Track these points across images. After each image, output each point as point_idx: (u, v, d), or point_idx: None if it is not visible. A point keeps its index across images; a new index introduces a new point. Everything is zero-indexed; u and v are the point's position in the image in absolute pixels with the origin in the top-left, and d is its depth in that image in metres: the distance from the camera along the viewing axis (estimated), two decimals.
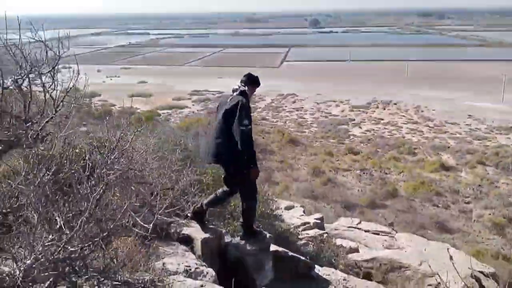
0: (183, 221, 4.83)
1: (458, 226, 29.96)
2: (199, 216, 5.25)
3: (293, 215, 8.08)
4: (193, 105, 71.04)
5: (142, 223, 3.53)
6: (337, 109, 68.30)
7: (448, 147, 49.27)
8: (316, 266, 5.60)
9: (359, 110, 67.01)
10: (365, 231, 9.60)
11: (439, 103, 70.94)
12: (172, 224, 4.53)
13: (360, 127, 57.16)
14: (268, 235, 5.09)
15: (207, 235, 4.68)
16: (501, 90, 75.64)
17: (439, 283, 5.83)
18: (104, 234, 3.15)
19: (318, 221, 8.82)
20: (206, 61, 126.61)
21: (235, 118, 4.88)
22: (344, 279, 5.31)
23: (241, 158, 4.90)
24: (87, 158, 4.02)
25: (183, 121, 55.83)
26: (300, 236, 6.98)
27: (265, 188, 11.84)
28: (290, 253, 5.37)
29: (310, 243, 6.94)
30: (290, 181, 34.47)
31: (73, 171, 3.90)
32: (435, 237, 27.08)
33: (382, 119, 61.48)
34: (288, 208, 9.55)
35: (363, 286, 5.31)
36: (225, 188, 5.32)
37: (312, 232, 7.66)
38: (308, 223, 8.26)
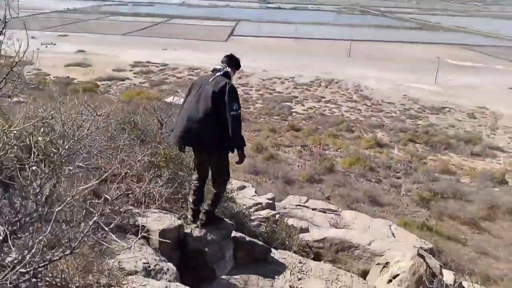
0: (138, 211, 4.38)
1: (388, 199, 32.33)
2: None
3: (244, 196, 8.21)
4: (135, 77, 68.72)
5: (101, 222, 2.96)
6: (281, 86, 69.37)
7: (383, 125, 52.20)
8: (272, 249, 5.66)
9: (303, 88, 68.56)
10: (313, 209, 10.19)
11: (377, 83, 74.31)
12: (125, 214, 4.00)
13: (303, 105, 58.68)
14: (229, 222, 5.00)
15: (164, 226, 4.37)
16: (434, 72, 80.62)
17: (387, 262, 6.08)
18: (66, 253, 2.70)
19: (270, 201, 8.99)
20: (150, 31, 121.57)
21: (224, 101, 4.60)
22: (300, 262, 5.44)
23: (223, 143, 4.72)
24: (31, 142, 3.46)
25: (124, 94, 54.15)
26: (252, 217, 7.13)
27: None
28: (248, 238, 5.32)
29: (263, 224, 7.11)
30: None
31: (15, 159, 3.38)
32: (367, 209, 29.19)
33: (324, 97, 63.46)
34: (240, 188, 9.75)
35: (318, 268, 5.38)
36: (195, 181, 5.06)
37: (264, 213, 7.88)
38: (260, 203, 8.43)
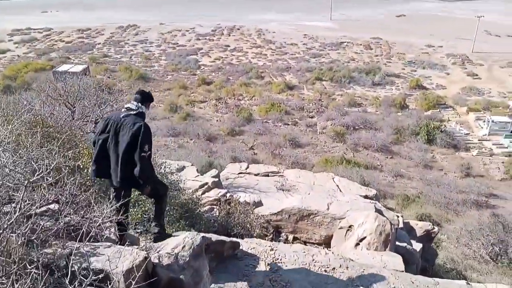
0: (87, 248, 3.51)
1: (307, 140, 33.56)
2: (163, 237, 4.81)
3: (187, 177, 7.48)
4: (17, 47, 60.81)
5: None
6: (183, 39, 66.47)
7: (290, 68, 53.09)
8: (239, 241, 5.09)
9: (205, 38, 66.45)
10: (255, 174, 9.83)
11: (277, 25, 74.59)
12: (70, 257, 3.14)
13: (209, 56, 57.12)
14: (199, 236, 4.29)
15: (128, 264, 3.52)
16: (328, 9, 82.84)
17: (350, 225, 5.98)
18: None
19: (215, 178, 8.38)
20: None
21: (137, 142, 4.52)
22: (272, 249, 5.05)
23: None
24: None
25: (8, 68, 47.86)
26: (202, 201, 6.61)
27: None
28: (215, 237, 4.75)
29: (215, 207, 6.68)
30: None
31: None
32: (290, 153, 30.07)
33: (229, 46, 62.27)
34: (180, 169, 8.87)
35: (291, 252, 5.00)
36: (113, 191, 4.77)
37: (213, 194, 7.33)
38: (206, 183, 7.80)
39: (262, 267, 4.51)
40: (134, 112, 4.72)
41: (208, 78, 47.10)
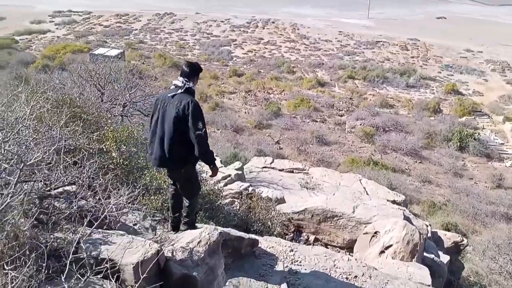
0: (99, 235, 3.37)
1: (334, 138, 33.05)
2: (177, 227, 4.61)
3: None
4: (57, 28, 62.34)
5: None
6: (218, 30, 66.52)
7: (323, 64, 52.34)
8: (258, 238, 4.92)
9: (240, 30, 66.26)
10: (279, 170, 9.61)
11: (313, 20, 73.57)
12: (80, 244, 3.00)
13: (242, 48, 56.97)
14: (217, 232, 4.04)
15: (139, 256, 3.29)
16: (366, 6, 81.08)
17: (376, 231, 5.70)
18: None
19: (239, 171, 8.23)
20: None
21: (188, 122, 4.25)
22: (291, 250, 4.79)
23: (190, 160, 4.40)
24: None
25: (47, 48, 49.20)
26: (224, 193, 6.39)
27: None
28: (233, 232, 4.55)
29: (236, 200, 6.50)
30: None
31: None
32: (316, 150, 29.70)
33: (262, 39, 61.91)
34: None
35: (311, 255, 4.71)
36: (171, 188, 4.62)
37: (235, 187, 7.14)
38: (229, 175, 7.72)
39: (280, 267, 4.33)
40: (182, 89, 4.44)
41: (239, 70, 47.04)
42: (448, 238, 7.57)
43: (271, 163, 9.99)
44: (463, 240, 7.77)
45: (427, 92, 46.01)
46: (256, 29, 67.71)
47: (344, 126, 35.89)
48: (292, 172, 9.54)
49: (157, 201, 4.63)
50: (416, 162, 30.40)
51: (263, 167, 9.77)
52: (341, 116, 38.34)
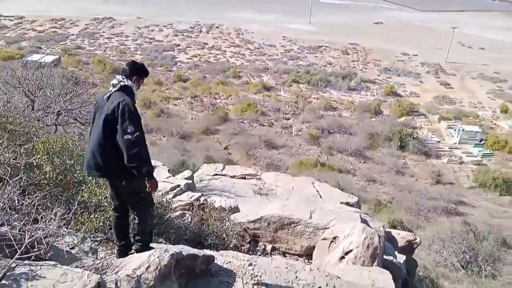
0: (25, 268, 2.74)
1: (282, 141, 33.28)
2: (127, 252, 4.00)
3: (157, 179, 6.69)
4: None
5: None
6: (160, 34, 65.20)
7: (268, 69, 52.82)
8: (214, 254, 4.51)
9: (183, 35, 65.38)
10: (231, 177, 9.19)
11: (257, 25, 74.20)
12: (2, 281, 2.51)
13: (186, 53, 56.16)
14: (167, 254, 3.53)
15: None
16: (308, 13, 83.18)
17: (335, 236, 5.49)
18: None
19: (189, 180, 7.53)
20: None
21: (118, 124, 3.66)
22: (250, 264, 4.45)
23: (128, 169, 3.75)
24: None
25: None
26: (173, 205, 5.83)
27: None
28: (186, 251, 4.05)
29: (187, 212, 5.92)
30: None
31: None
32: (265, 154, 29.69)
33: (207, 43, 61.46)
34: None
35: (271, 268, 4.43)
36: (114, 212, 4.05)
37: (185, 198, 6.58)
38: (178, 186, 7.01)
39: (239, 285, 4.00)
40: (116, 87, 3.88)
41: (184, 75, 46.22)
42: (402, 237, 7.65)
43: (222, 170, 9.60)
44: (416, 239, 7.88)
45: (367, 95, 47.83)
46: (200, 34, 67.16)
47: (291, 130, 36.28)
48: (245, 178, 9.23)
49: (98, 220, 4.07)
50: (360, 162, 31.32)
51: (214, 175, 9.35)
52: (288, 119, 38.75)
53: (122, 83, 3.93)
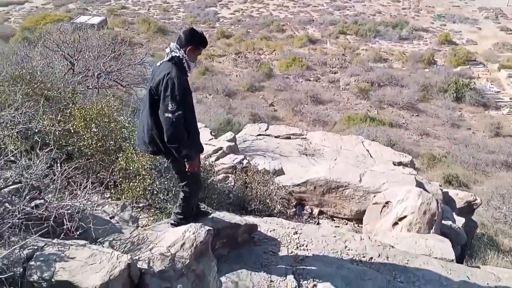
0: (53, 248, 2.64)
1: (329, 96, 32.30)
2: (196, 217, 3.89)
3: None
4: None
5: None
6: None
7: (313, 21, 50.68)
8: (257, 222, 4.21)
9: None
10: (275, 136, 8.85)
11: None
12: (29, 263, 2.44)
13: (229, 8, 54.87)
14: (204, 230, 3.29)
15: (103, 275, 2.57)
16: None
17: (387, 201, 5.12)
18: None
19: (231, 142, 7.39)
20: None
21: (160, 99, 3.38)
22: (295, 232, 4.15)
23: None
24: None
25: (26, 20, 47.07)
26: (216, 169, 5.65)
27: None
28: (228, 218, 3.79)
29: (230, 176, 5.73)
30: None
31: None
32: (311, 110, 29.03)
33: None
34: None
35: (318, 236, 4.12)
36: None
37: (227, 160, 6.38)
38: (221, 148, 6.88)
39: (284, 255, 3.80)
40: (167, 57, 3.55)
41: (227, 31, 45.44)
42: (461, 198, 7.11)
43: (266, 130, 9.29)
44: (476, 199, 7.33)
45: (420, 44, 44.92)
46: None
47: (338, 84, 35.05)
48: (289, 138, 8.88)
49: (137, 188, 3.96)
50: (413, 115, 29.91)
51: (258, 135, 9.08)
52: (335, 73, 37.40)
53: (174, 54, 3.55)
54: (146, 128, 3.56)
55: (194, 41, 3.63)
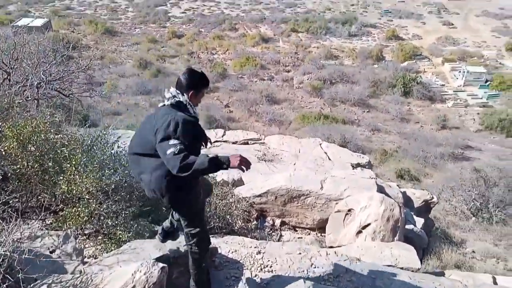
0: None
1: (284, 95, 32.44)
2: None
3: None
4: None
5: None
6: None
7: (265, 19, 50.82)
8: (217, 245, 3.94)
9: None
10: (233, 142, 8.54)
11: None
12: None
13: (179, 7, 53.89)
14: (157, 268, 2.93)
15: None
16: None
17: (350, 209, 5.03)
18: None
19: None
20: None
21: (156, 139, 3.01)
22: (259, 252, 3.93)
23: (178, 186, 3.12)
24: None
25: None
26: None
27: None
28: (185, 248, 3.39)
29: None
30: (116, 79, 31.25)
31: None
32: (266, 109, 29.00)
33: None
34: None
35: (282, 254, 3.94)
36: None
37: None
38: None
39: (248, 277, 3.55)
40: (168, 102, 3.21)
41: (178, 31, 44.57)
42: (418, 197, 7.21)
43: (222, 136, 9.01)
44: (432, 198, 7.47)
45: (369, 40, 46.26)
46: None
47: (292, 82, 35.33)
48: (247, 143, 8.66)
49: (81, 214, 3.52)
50: (364, 111, 30.67)
51: (214, 141, 8.78)
52: (288, 72, 37.69)
53: (177, 99, 3.22)
54: (137, 165, 3.27)
55: (196, 85, 3.32)
